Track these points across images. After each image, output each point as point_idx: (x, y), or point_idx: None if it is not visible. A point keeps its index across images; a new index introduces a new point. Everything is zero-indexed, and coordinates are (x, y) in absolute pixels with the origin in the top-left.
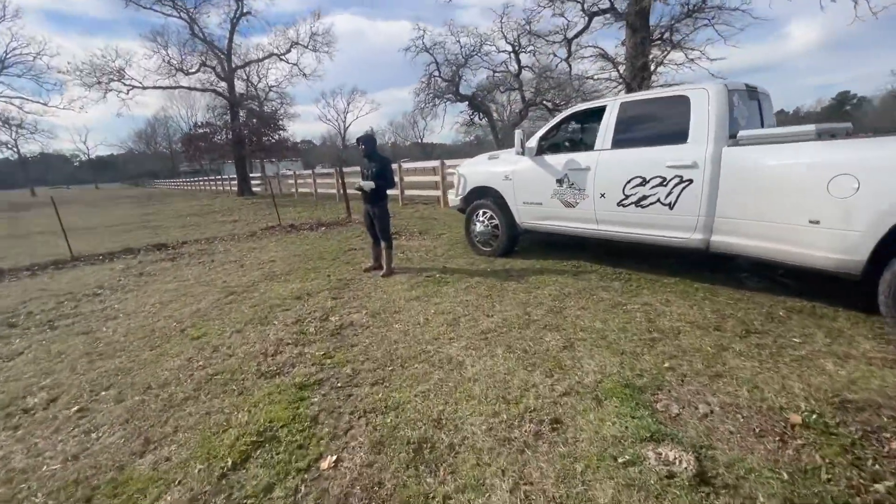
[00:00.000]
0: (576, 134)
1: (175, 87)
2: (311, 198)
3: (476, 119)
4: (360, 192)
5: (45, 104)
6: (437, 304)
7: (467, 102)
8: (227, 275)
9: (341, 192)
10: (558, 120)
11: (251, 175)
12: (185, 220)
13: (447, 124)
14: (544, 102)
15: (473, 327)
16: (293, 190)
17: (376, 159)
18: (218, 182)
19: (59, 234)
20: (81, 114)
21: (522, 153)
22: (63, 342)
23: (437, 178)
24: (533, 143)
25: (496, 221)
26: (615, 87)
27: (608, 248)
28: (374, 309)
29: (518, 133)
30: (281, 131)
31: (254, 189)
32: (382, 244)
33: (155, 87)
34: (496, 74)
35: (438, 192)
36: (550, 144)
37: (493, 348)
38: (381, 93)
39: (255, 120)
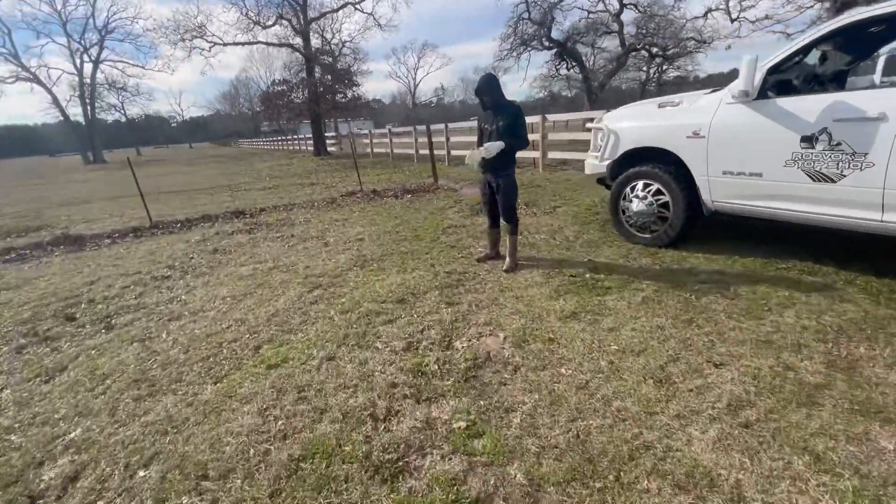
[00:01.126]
0: (848, 60)
1: (253, 43)
2: (387, 158)
3: (564, 69)
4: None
5: (142, 67)
6: (612, 332)
7: (554, 51)
8: (310, 257)
9: (420, 152)
10: (811, 39)
11: (326, 135)
12: (265, 182)
13: (529, 77)
14: (647, 48)
15: (705, 392)
16: (368, 150)
17: (503, 110)
18: (294, 142)
19: (152, 197)
20: (174, 76)
21: (746, 95)
22: (113, 355)
23: (537, 137)
24: (756, 79)
25: (665, 198)
26: (796, 15)
27: (827, 240)
28: (514, 331)
29: (748, 60)
30: (355, 87)
31: (329, 149)
32: (504, 227)
33: (234, 44)
34: (591, 16)
35: (537, 154)
36: (783, 82)
37: (777, 453)
38: (450, 48)
39: (328, 76)
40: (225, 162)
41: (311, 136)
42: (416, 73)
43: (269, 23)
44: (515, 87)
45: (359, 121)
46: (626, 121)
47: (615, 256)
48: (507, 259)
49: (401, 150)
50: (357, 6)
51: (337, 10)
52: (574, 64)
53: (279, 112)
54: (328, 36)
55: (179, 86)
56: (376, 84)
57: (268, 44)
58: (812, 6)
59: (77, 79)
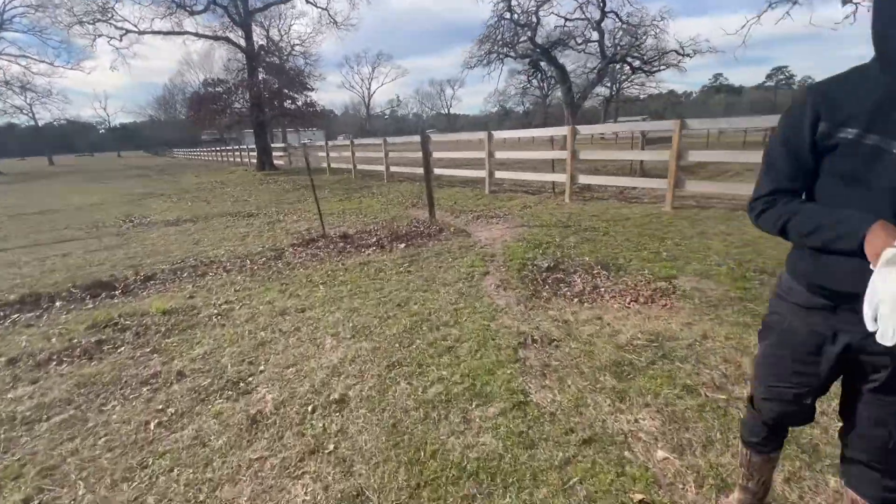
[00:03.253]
0: None
1: (178, 34)
2: (348, 175)
3: (537, 80)
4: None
5: (50, 64)
6: None
7: (528, 60)
8: (210, 491)
9: (391, 169)
10: None
11: (273, 146)
12: (183, 209)
13: (492, 87)
14: (627, 60)
15: None
16: (324, 164)
17: None
18: (237, 153)
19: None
20: (98, 78)
21: None
22: None
23: (557, 156)
24: None
25: None
26: None
27: None
28: None
29: None
30: (308, 92)
31: (277, 162)
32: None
33: (153, 33)
34: (567, 24)
35: (559, 177)
36: None
37: None
38: (404, 61)
39: (275, 79)
40: (147, 176)
41: (254, 146)
42: (370, 84)
43: (199, 8)
44: (470, 101)
45: (309, 131)
46: None
47: None
48: None
49: (365, 165)
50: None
51: (285, 1)
52: (548, 75)
53: (212, 118)
54: (275, 35)
55: (105, 89)
56: (327, 94)
57: (198, 35)
58: None
59: None
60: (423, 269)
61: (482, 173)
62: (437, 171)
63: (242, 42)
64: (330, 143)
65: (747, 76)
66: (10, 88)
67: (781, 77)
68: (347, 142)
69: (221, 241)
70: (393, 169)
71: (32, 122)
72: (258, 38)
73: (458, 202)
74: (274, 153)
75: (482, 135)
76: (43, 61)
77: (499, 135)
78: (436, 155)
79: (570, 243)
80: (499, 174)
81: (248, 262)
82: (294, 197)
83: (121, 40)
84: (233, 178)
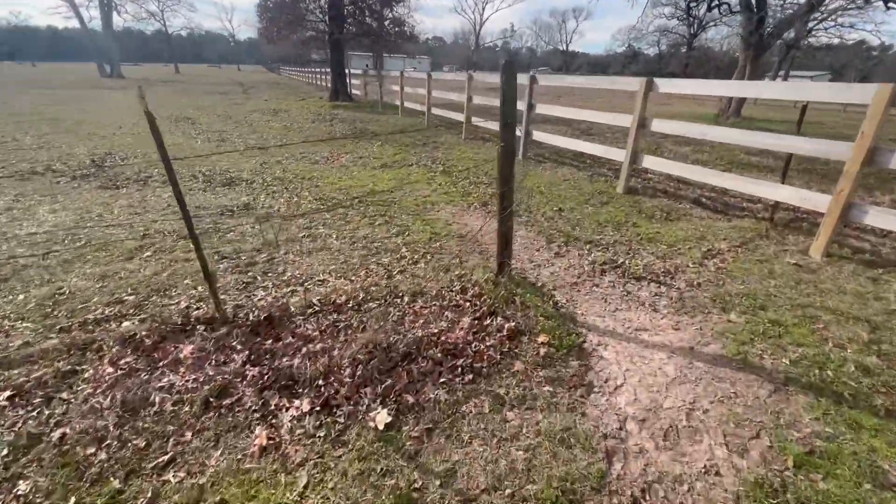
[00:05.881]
0: None
1: None
2: (421, 119)
3: (696, 10)
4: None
5: None
6: None
7: None
8: None
9: (474, 122)
10: None
11: (353, 71)
12: (186, 145)
13: (626, 20)
14: None
15: None
16: (397, 102)
17: None
18: (322, 77)
19: None
20: None
21: None
22: None
23: (817, 150)
24: None
25: None
26: None
27: None
28: None
29: None
30: (396, 6)
31: (354, 93)
32: None
33: None
34: None
35: (808, 198)
36: None
37: None
38: None
39: None
40: (225, 94)
41: (358, 70)
42: (483, 9)
43: None
44: (594, 37)
45: (414, 59)
46: None
47: None
48: None
49: (442, 111)
50: None
51: None
52: (719, 2)
53: (284, 31)
54: None
55: (231, 3)
56: (437, 20)
57: None
58: None
59: None
60: None
61: (619, 154)
62: (538, 135)
63: None
64: (406, 74)
65: None
66: None
67: None
68: (423, 75)
69: (96, 259)
70: (476, 121)
71: (161, 30)
72: None
73: (565, 207)
74: (353, 81)
75: (633, 83)
76: None
77: (666, 86)
78: (540, 110)
79: None
80: (648, 161)
81: None
82: (332, 149)
83: None
84: (295, 107)
